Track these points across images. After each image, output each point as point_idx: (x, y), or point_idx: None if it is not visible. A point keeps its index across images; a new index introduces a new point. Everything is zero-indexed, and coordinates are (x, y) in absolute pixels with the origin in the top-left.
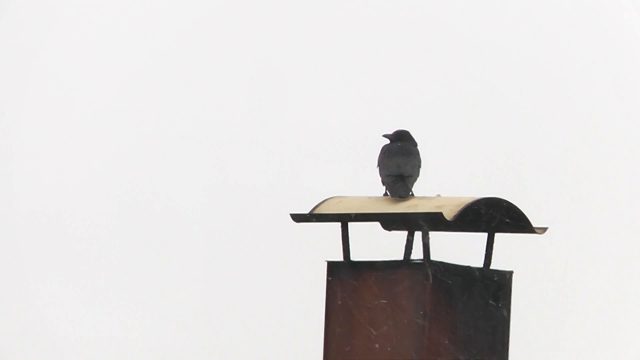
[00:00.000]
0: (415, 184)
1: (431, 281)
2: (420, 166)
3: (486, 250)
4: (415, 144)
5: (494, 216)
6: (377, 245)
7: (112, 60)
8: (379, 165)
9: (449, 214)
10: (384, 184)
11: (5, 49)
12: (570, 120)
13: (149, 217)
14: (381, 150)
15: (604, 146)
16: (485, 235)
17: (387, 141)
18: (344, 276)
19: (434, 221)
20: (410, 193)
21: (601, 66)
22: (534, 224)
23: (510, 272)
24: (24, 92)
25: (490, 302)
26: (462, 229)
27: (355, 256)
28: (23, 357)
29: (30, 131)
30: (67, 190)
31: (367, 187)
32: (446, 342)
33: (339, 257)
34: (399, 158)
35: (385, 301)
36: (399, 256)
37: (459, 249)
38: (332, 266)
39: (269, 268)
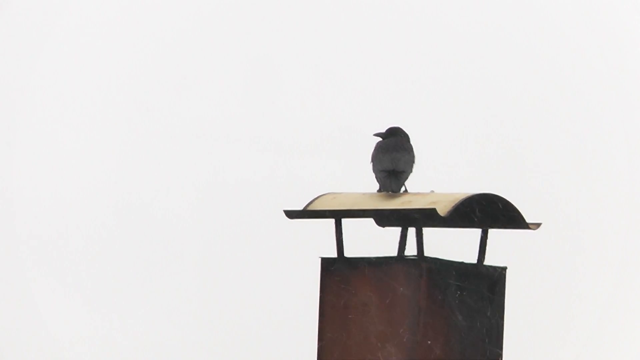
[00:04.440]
0: (409, 180)
1: (425, 277)
2: (414, 162)
3: (480, 246)
4: (408, 140)
5: (488, 212)
6: (371, 241)
7: (105, 57)
8: (372, 160)
9: (443, 210)
10: (377, 179)
11: (3, 48)
12: (564, 115)
13: (143, 214)
14: (375, 146)
15: (598, 141)
16: (479, 231)
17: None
18: (338, 272)
19: (428, 217)
20: (404, 189)
21: (598, 57)
22: (528, 220)
23: (504, 268)
24: (18, 94)
25: (484, 297)
26: (456, 225)
27: (349, 252)
28: (23, 357)
29: (28, 132)
30: (64, 187)
31: (362, 183)
32: (440, 338)
33: (333, 254)
34: (393, 154)
35: (379, 297)
36: (393, 252)
37: (453, 244)
38: (326, 262)
39: (263, 265)
